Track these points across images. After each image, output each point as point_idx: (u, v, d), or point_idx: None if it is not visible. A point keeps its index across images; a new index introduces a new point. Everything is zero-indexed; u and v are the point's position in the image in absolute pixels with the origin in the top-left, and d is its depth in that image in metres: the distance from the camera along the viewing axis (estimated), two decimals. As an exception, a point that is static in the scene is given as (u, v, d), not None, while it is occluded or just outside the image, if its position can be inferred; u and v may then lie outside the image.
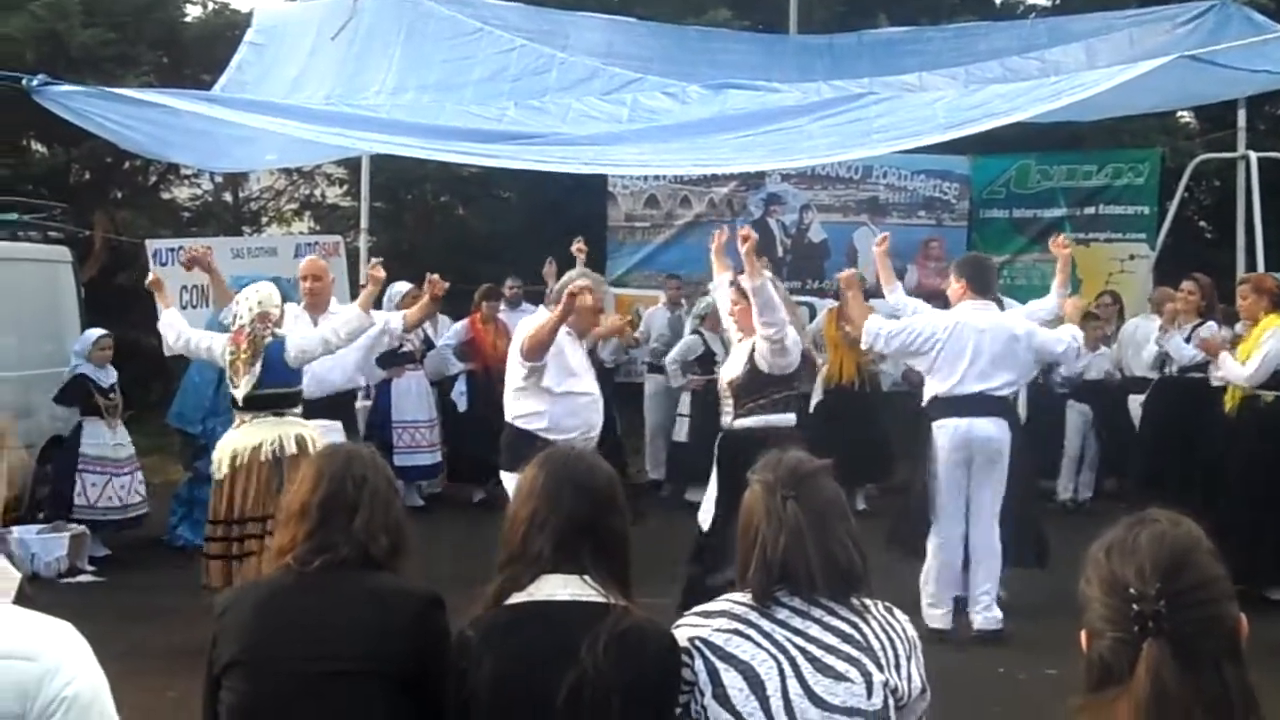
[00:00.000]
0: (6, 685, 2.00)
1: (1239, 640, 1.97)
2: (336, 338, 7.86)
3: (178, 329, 8.05)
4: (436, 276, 8.70)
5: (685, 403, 12.25)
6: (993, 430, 7.82)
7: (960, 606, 8.06)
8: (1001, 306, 8.57)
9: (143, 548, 10.26)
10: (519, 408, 7.34)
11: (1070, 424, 11.99)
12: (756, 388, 7.38)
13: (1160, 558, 1.94)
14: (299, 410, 7.77)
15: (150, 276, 8.40)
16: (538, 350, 7.11)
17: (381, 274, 8.21)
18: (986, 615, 7.87)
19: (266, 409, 7.58)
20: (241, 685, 3.06)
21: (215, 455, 7.66)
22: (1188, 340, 9.71)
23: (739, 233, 7.56)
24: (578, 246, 9.33)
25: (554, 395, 7.24)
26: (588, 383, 7.45)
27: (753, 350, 7.36)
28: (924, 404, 8.06)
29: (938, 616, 7.90)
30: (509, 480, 7.17)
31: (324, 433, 7.63)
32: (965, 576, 8.06)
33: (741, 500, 3.04)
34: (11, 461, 2.02)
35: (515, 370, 7.32)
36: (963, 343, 7.82)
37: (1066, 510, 11.62)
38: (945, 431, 7.85)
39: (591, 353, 9.76)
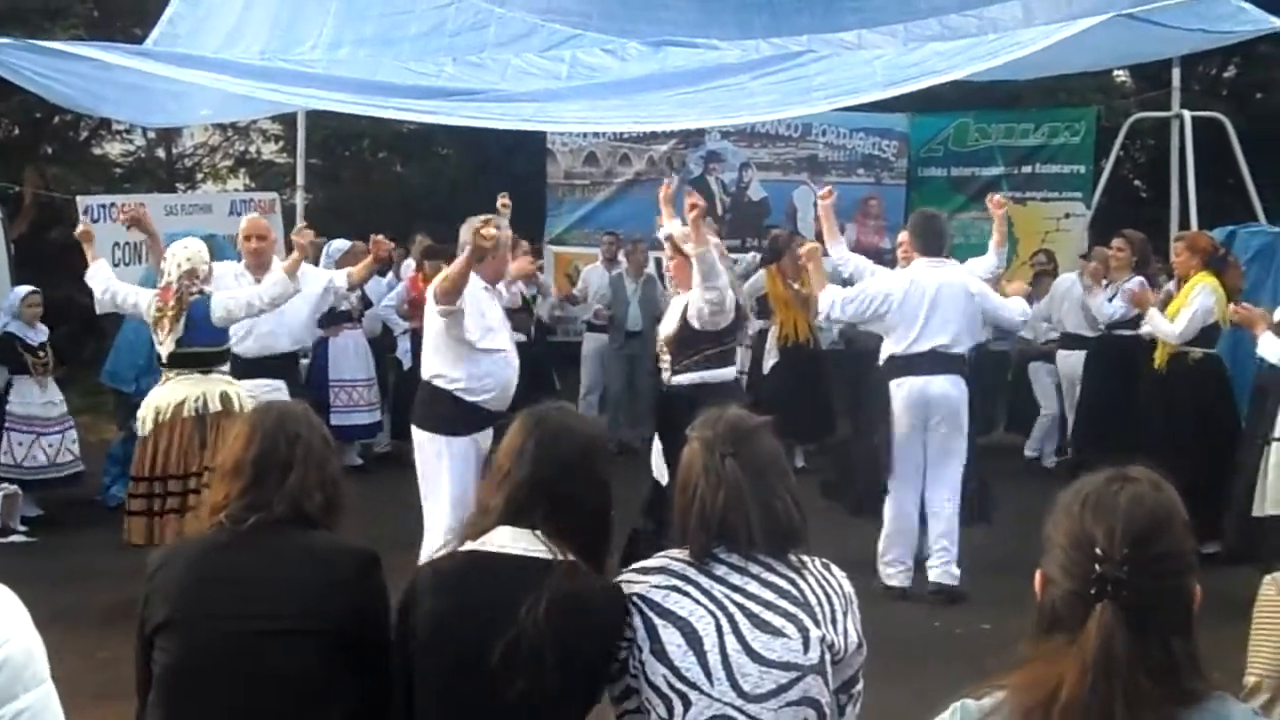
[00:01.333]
0: None
1: (1191, 612, 1.96)
2: (260, 301, 7.78)
3: (105, 282, 7.92)
4: (381, 237, 8.63)
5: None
6: (949, 388, 7.86)
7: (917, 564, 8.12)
8: None
9: (76, 507, 10.13)
10: (436, 365, 7.15)
11: (1041, 385, 11.97)
12: (690, 344, 7.33)
13: (1134, 522, 1.92)
14: (225, 368, 7.70)
15: (80, 227, 8.23)
16: (451, 294, 6.83)
17: (308, 240, 8.13)
18: (944, 569, 7.90)
19: (192, 367, 7.51)
20: (174, 645, 3.03)
21: (140, 412, 7.57)
22: (1113, 297, 9.80)
23: (687, 200, 7.51)
24: (502, 202, 9.27)
25: (474, 352, 7.04)
26: (504, 339, 7.28)
27: (686, 307, 7.35)
28: (880, 363, 8.08)
29: (894, 575, 7.94)
30: (420, 436, 7.15)
31: (268, 392, 7.56)
32: (921, 534, 8.14)
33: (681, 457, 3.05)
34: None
35: (433, 324, 7.12)
36: (916, 301, 7.85)
37: (1031, 471, 11.59)
38: (902, 390, 7.88)
39: (529, 311, 9.76)
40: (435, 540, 6.69)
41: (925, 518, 8.08)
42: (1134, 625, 1.87)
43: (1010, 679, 1.96)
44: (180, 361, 7.50)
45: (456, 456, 7.01)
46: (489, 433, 7.06)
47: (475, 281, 7.05)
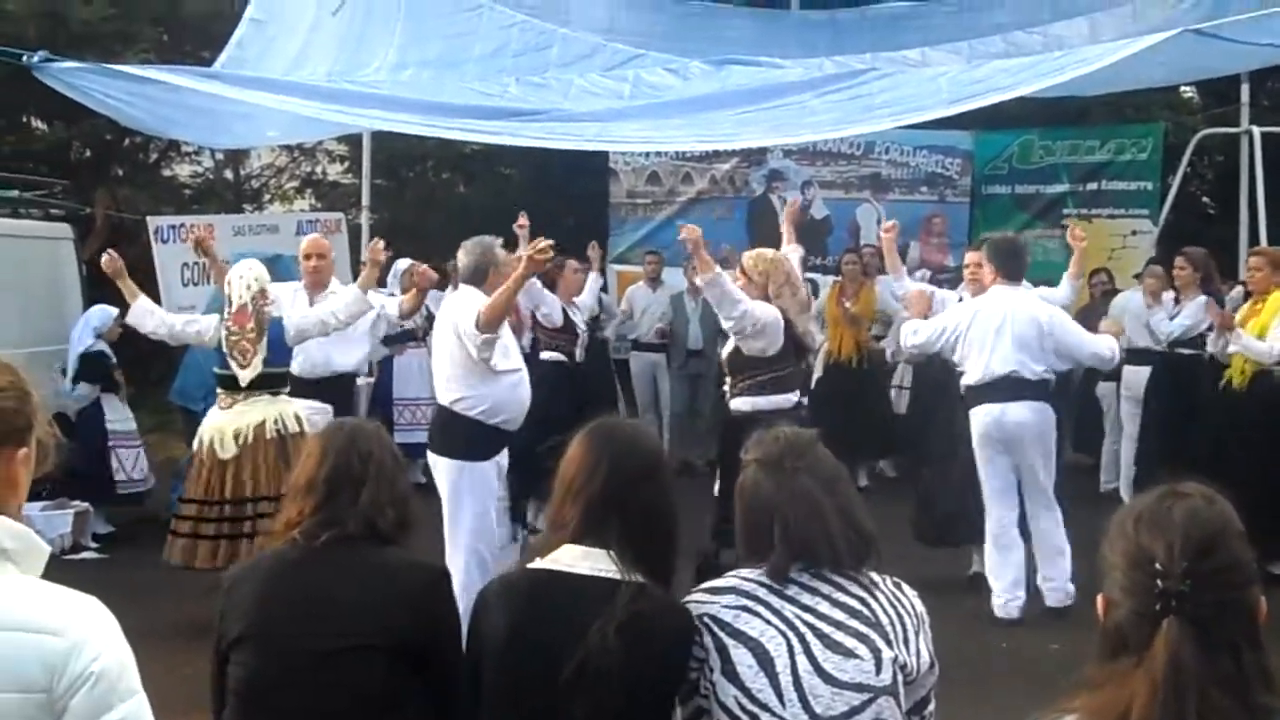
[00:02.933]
0: (33, 660, 2.00)
1: (1258, 623, 1.95)
2: (335, 319, 7.85)
3: (151, 319, 7.94)
4: (424, 267, 8.69)
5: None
6: (1026, 415, 7.80)
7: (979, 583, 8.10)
8: None
9: (145, 524, 10.25)
10: (457, 390, 7.00)
11: (1109, 409, 11.80)
12: (742, 368, 7.28)
13: (1191, 536, 1.92)
14: (288, 389, 7.78)
15: (105, 259, 8.06)
16: (496, 321, 6.78)
17: (382, 254, 8.15)
18: (1056, 593, 7.83)
19: (263, 389, 7.58)
20: (249, 660, 3.07)
21: (206, 435, 7.59)
22: (1174, 316, 9.69)
23: (680, 229, 7.48)
24: (520, 224, 9.36)
25: (494, 374, 6.95)
26: (516, 359, 7.21)
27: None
28: (962, 394, 8.06)
29: (1002, 606, 7.84)
30: (442, 463, 7.06)
31: (314, 414, 7.61)
32: (979, 553, 8.16)
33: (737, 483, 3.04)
34: (44, 439, 2.02)
35: (453, 348, 6.95)
36: (984, 328, 7.84)
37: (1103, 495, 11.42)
38: (978, 418, 7.87)
39: (573, 332, 9.79)
40: (458, 566, 6.63)
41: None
42: (1201, 640, 1.86)
43: (1080, 701, 1.94)
44: (255, 384, 7.56)
45: (479, 481, 6.98)
46: (505, 453, 7.10)
47: (478, 301, 6.97)
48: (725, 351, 7.52)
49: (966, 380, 7.97)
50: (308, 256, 8.66)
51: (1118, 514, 2.03)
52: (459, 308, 7.03)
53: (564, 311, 9.78)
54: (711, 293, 7.10)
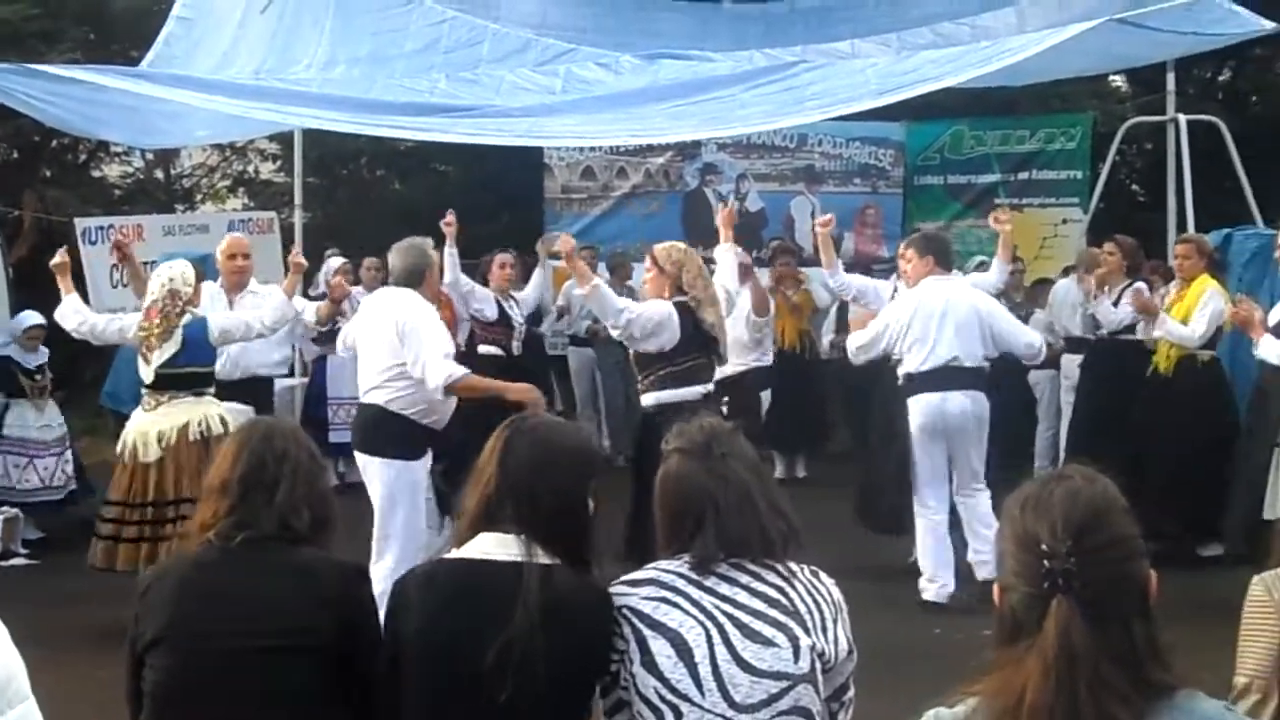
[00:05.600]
0: None
1: (1148, 597, 1.99)
2: (261, 324, 7.81)
3: (76, 317, 7.88)
4: (338, 280, 8.67)
5: None
6: (966, 404, 7.92)
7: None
8: None
9: (78, 529, 10.11)
10: (392, 390, 6.92)
11: (1042, 398, 11.92)
12: (644, 365, 7.27)
13: (1073, 515, 1.96)
14: (213, 391, 7.73)
15: (56, 258, 8.09)
16: (463, 390, 6.93)
17: (303, 262, 8.12)
18: (986, 566, 7.80)
19: (185, 388, 7.53)
20: (165, 662, 3.04)
21: (129, 437, 7.54)
22: (1115, 303, 9.79)
23: (556, 243, 7.68)
24: (446, 222, 9.38)
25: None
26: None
27: None
28: (900, 382, 8.11)
29: (934, 590, 7.93)
30: (367, 465, 7.04)
31: (235, 416, 7.55)
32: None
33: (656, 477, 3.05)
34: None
35: (393, 348, 6.88)
36: (925, 319, 7.92)
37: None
38: (919, 406, 7.94)
39: (508, 325, 9.78)
40: (388, 566, 6.60)
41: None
42: (1091, 616, 1.90)
43: (980, 685, 1.97)
44: (170, 383, 7.51)
45: (412, 480, 6.98)
46: (429, 454, 7.10)
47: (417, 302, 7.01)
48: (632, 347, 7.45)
49: (906, 369, 8.03)
50: (231, 256, 8.55)
51: (1007, 500, 2.06)
52: (400, 308, 6.97)
53: (499, 305, 9.75)
54: (593, 304, 7.17)
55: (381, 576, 6.27)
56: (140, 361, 7.61)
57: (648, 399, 7.27)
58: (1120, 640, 1.91)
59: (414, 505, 6.94)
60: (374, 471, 7.01)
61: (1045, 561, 1.93)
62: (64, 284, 7.99)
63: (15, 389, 10.04)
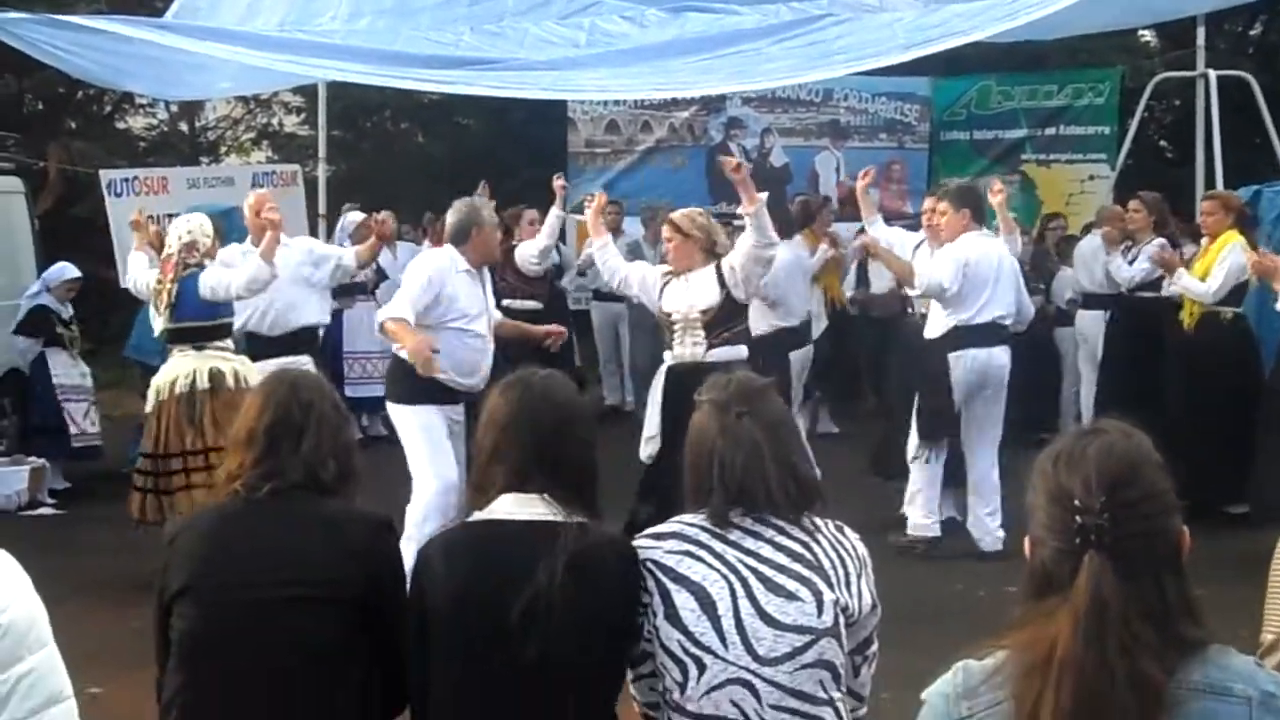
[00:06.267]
0: None
1: (1180, 553, 1.98)
2: (236, 285, 7.67)
3: (134, 273, 8.04)
4: (384, 215, 8.64)
5: None
6: (1004, 359, 8.03)
7: (953, 527, 8.26)
8: None
9: (103, 480, 10.21)
10: None
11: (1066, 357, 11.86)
12: (728, 319, 7.18)
13: (1106, 470, 1.95)
14: (224, 343, 7.73)
15: (133, 215, 8.34)
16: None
17: (278, 218, 7.97)
18: (994, 535, 8.00)
19: (187, 342, 7.57)
20: (191, 612, 3.05)
21: (152, 388, 7.63)
22: (1132, 261, 9.74)
23: (727, 162, 7.46)
24: (482, 187, 9.43)
25: (442, 330, 7.01)
26: (482, 324, 7.20)
27: (721, 280, 7.15)
28: (938, 335, 8.08)
29: (928, 525, 8.03)
30: (396, 412, 7.19)
31: (258, 371, 7.57)
32: (954, 498, 8.36)
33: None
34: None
35: (401, 302, 6.99)
36: (985, 273, 7.94)
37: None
38: (963, 361, 7.95)
39: (547, 280, 9.80)
40: (417, 512, 6.79)
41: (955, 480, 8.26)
42: (1122, 571, 1.89)
43: (1009, 638, 1.97)
44: (176, 337, 7.60)
45: (426, 426, 7.04)
46: (459, 408, 7.08)
47: (457, 263, 7.09)
48: (708, 302, 7.21)
49: (953, 322, 7.99)
50: (257, 213, 8.50)
51: (1039, 455, 2.05)
52: (418, 259, 7.22)
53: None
54: (758, 221, 7.00)
55: (410, 521, 6.60)
56: (152, 313, 7.66)
57: (725, 353, 7.12)
58: (1152, 596, 1.90)
59: (436, 448, 6.98)
60: (394, 416, 7.26)
61: (1078, 516, 1.92)
62: (139, 239, 8.23)
63: (53, 337, 10.13)
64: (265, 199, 8.58)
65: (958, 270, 7.93)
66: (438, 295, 6.99)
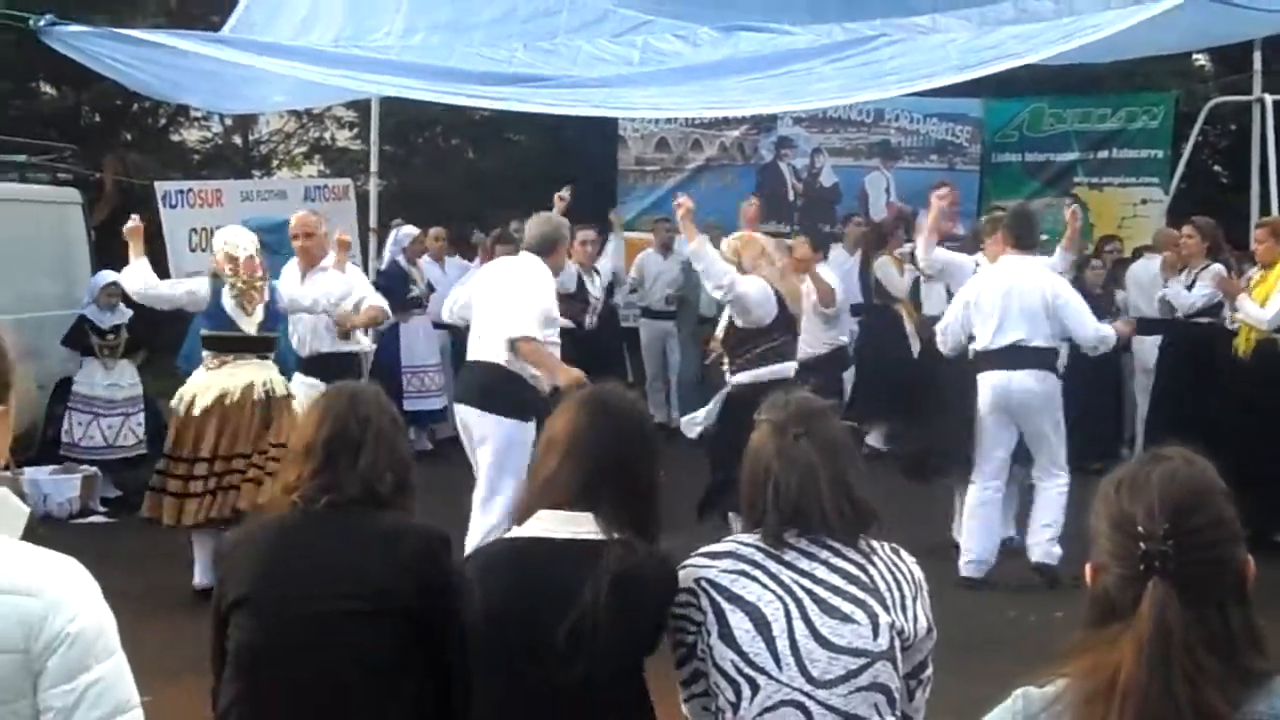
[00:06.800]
0: (10, 621, 2.00)
1: (1245, 582, 1.95)
2: (320, 304, 7.94)
3: (144, 279, 7.93)
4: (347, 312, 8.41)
5: None
6: (1031, 383, 7.88)
7: (1004, 545, 8.20)
8: None
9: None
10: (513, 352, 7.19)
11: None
12: (739, 343, 7.52)
13: (1170, 497, 1.93)
14: (273, 357, 7.85)
15: (130, 224, 8.14)
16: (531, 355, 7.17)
17: (348, 240, 8.18)
18: (1048, 549, 7.88)
19: (253, 352, 7.66)
20: (248, 622, 3.08)
21: (189, 392, 7.63)
22: (1190, 286, 9.66)
23: (674, 201, 7.93)
24: (559, 196, 9.42)
25: (550, 344, 7.24)
26: (555, 330, 7.45)
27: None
28: (971, 357, 8.13)
29: (971, 567, 7.92)
30: (484, 421, 7.20)
31: (308, 390, 7.62)
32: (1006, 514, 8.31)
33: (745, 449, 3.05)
34: (21, 397, 2.02)
35: (534, 319, 7.16)
36: (991, 298, 7.91)
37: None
38: (986, 383, 7.93)
39: (584, 299, 9.85)
40: (489, 523, 6.83)
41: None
42: (1187, 600, 1.87)
43: (1070, 666, 1.95)
44: (255, 345, 7.64)
45: (524, 441, 7.04)
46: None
47: (539, 266, 7.27)
48: (721, 330, 7.72)
49: (976, 346, 8.02)
50: (294, 237, 8.46)
51: (1103, 481, 2.04)
52: (524, 269, 7.31)
53: (579, 279, 9.81)
54: (699, 263, 7.44)
55: (482, 532, 6.68)
56: (239, 315, 7.65)
57: (744, 376, 7.43)
58: (1216, 625, 1.88)
59: (522, 466, 7.03)
60: (488, 428, 7.19)
61: (1141, 543, 1.90)
62: (135, 249, 8.02)
63: (87, 347, 10.21)
64: (301, 222, 8.53)
65: (955, 318, 8.12)
66: None
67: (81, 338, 10.21)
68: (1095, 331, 8.09)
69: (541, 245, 7.40)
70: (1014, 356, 7.85)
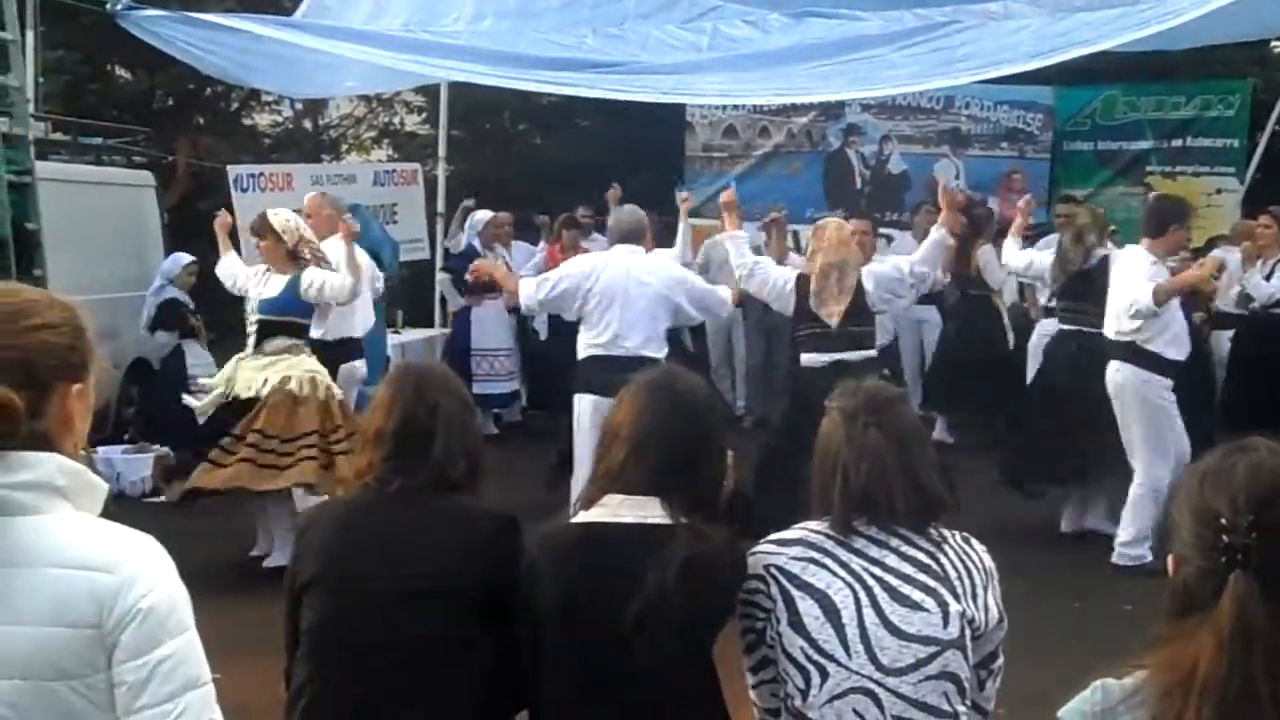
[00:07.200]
0: (84, 596, 2.03)
1: None
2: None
3: (233, 274, 8.14)
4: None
5: None
6: (1115, 376, 7.85)
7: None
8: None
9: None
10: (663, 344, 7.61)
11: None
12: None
13: (1255, 489, 1.91)
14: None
15: (219, 218, 8.42)
16: None
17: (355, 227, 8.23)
18: (1121, 551, 7.84)
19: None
20: (321, 601, 3.10)
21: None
22: (1269, 276, 9.51)
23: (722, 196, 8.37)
24: (612, 192, 9.51)
25: None
26: None
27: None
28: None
29: (1131, 556, 7.82)
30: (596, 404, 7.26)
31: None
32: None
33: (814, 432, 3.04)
34: (98, 376, 2.05)
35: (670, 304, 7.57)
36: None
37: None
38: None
39: None
40: None
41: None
42: (1269, 593, 1.85)
43: (1150, 658, 1.94)
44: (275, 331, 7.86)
45: None
46: None
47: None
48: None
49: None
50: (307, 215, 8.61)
51: (1185, 472, 2.01)
52: (654, 262, 7.81)
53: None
54: (729, 244, 7.97)
55: None
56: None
57: (808, 357, 7.68)
58: None
59: None
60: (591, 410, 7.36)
61: (1224, 536, 1.88)
62: (224, 243, 8.29)
63: (188, 329, 10.35)
64: (312, 202, 8.80)
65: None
66: None
67: (180, 320, 10.35)
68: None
69: (633, 234, 7.74)
70: (1113, 348, 7.91)
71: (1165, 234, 7.82)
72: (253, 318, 7.78)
